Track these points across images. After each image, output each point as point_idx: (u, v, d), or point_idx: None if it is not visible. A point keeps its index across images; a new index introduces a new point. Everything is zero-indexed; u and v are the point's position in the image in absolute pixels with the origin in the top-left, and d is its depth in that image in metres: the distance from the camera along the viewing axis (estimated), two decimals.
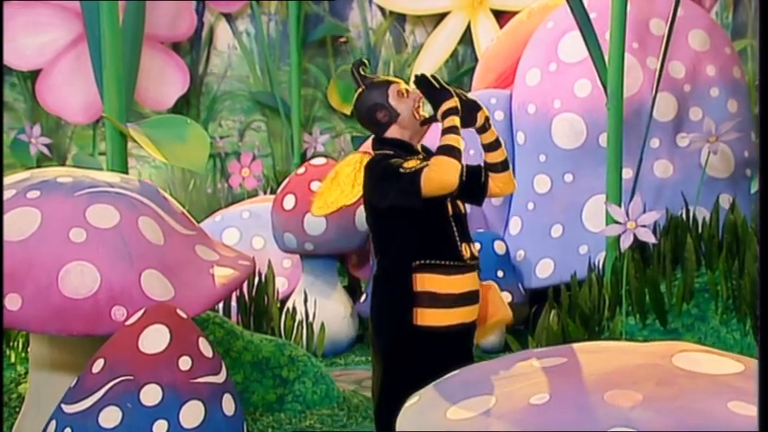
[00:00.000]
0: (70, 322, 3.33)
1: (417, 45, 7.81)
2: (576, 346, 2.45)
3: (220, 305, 4.90)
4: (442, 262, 3.37)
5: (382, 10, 7.81)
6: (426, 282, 3.36)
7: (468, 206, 5.69)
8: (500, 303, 3.62)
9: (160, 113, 7.71)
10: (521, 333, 5.41)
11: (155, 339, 3.14)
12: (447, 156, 3.32)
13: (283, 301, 5.52)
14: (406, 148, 3.49)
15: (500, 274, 5.53)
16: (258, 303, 4.95)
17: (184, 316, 3.25)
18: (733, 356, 2.25)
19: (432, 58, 7.69)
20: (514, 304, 5.56)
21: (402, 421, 2.27)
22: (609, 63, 5.06)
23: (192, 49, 7.77)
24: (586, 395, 2.05)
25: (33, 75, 7.54)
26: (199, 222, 6.33)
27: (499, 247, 5.58)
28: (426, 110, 3.60)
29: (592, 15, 5.56)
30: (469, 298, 3.44)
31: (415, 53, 7.78)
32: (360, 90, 3.54)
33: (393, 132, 3.51)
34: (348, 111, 7.54)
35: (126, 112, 6.67)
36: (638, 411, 1.96)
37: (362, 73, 3.56)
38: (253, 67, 7.80)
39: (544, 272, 5.64)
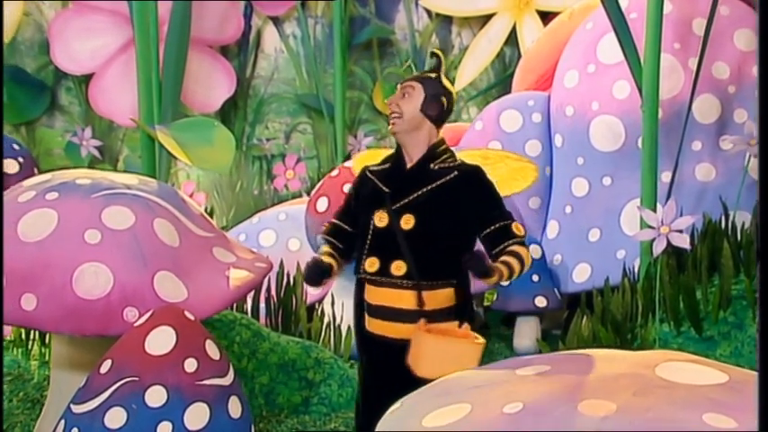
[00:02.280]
0: (83, 322, 3.37)
1: (464, 47, 7.76)
2: (564, 353, 2.40)
3: (248, 307, 4.92)
4: (358, 274, 3.47)
5: (428, 12, 7.78)
6: (364, 289, 3.49)
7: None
8: (426, 356, 3.23)
9: (208, 116, 7.79)
10: (554, 338, 5.35)
11: (161, 341, 3.15)
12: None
13: (318, 304, 5.52)
14: None
15: (535, 278, 5.46)
16: (286, 305, 4.95)
17: (192, 318, 3.26)
18: (722, 366, 2.18)
19: (477, 59, 7.64)
20: (550, 309, 5.51)
21: (382, 426, 2.24)
22: (644, 64, 4.96)
23: (240, 52, 7.83)
24: (560, 404, 2.00)
25: (87, 78, 7.68)
26: (238, 224, 6.46)
27: (534, 252, 5.50)
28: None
29: (632, 16, 5.47)
30: (384, 312, 3.41)
31: (461, 55, 7.73)
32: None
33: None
34: None
35: (170, 113, 6.76)
36: (610, 422, 1.91)
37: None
38: (299, 70, 7.83)
39: (581, 276, 5.55)
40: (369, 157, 4.12)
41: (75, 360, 3.68)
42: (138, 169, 6.95)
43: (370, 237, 3.43)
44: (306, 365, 4.63)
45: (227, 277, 3.67)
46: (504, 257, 3.38)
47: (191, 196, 6.83)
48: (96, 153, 7.51)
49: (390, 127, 3.48)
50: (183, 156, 4.26)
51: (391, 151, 3.60)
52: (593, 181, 5.63)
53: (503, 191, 4.69)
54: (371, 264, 3.41)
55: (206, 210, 7.06)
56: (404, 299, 3.39)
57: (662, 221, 4.73)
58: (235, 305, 4.86)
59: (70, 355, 3.70)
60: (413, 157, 3.47)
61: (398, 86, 3.50)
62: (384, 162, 3.59)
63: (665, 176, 5.31)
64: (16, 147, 6.80)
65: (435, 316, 3.38)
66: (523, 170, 4.67)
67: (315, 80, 7.76)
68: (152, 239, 3.55)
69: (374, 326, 3.48)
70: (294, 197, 7.34)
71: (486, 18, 7.63)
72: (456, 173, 3.44)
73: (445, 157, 3.49)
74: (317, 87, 7.75)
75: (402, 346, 3.36)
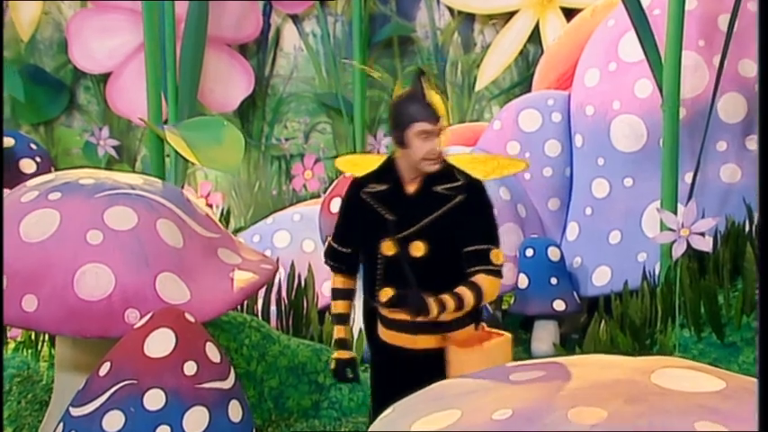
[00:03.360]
0: (84, 324, 3.39)
1: (486, 45, 7.72)
2: (560, 359, 2.38)
3: (259, 309, 4.93)
4: (372, 302, 3.44)
5: (450, 9, 7.74)
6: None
7: (522, 212, 5.72)
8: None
9: (226, 115, 7.81)
10: (573, 343, 5.31)
11: (160, 343, 3.16)
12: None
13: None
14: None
15: (554, 281, 5.42)
16: (297, 307, 4.95)
17: (192, 320, 3.26)
18: (721, 374, 2.15)
19: (499, 58, 7.59)
20: (569, 313, 5.47)
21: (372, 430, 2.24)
22: (665, 62, 4.92)
23: (259, 50, 7.84)
24: (550, 411, 1.98)
25: (106, 78, 7.73)
26: (254, 224, 6.48)
27: (553, 254, 5.46)
28: None
29: (655, 12, 5.42)
30: (400, 325, 3.38)
31: (483, 53, 7.70)
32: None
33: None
34: None
35: (186, 112, 6.80)
36: (600, 429, 1.89)
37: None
38: (318, 69, 7.83)
39: (601, 280, 5.50)
40: (353, 162, 4.07)
41: (78, 362, 3.70)
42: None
43: (380, 267, 3.41)
44: (316, 369, 4.63)
45: (232, 279, 3.68)
46: (458, 288, 3.33)
47: (207, 196, 6.86)
48: (113, 153, 7.55)
49: (430, 169, 3.36)
50: (191, 156, 4.28)
51: (376, 158, 3.57)
52: (613, 182, 5.57)
53: (494, 176, 4.71)
54: (386, 294, 3.38)
55: (223, 210, 7.08)
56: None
57: (682, 224, 4.70)
58: (245, 307, 4.87)
59: (74, 356, 3.73)
60: (413, 176, 3.40)
61: (430, 130, 3.31)
62: (376, 180, 3.48)
63: (689, 177, 5.25)
64: (33, 146, 6.86)
65: (452, 325, 3.40)
66: (513, 164, 4.66)
67: (334, 79, 7.76)
68: (155, 240, 3.57)
69: (389, 336, 3.47)
70: (313, 198, 7.34)
71: (509, 15, 7.59)
72: (463, 196, 3.40)
73: (449, 175, 3.42)
74: (337, 86, 7.75)
75: (417, 353, 3.40)
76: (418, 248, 3.37)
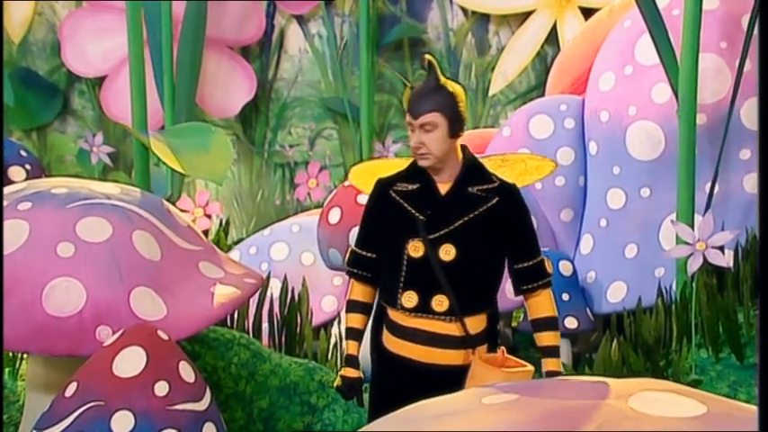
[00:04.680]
0: (52, 342, 3.39)
1: (502, 47, 7.71)
2: (537, 381, 2.36)
3: (249, 325, 4.92)
4: (393, 307, 3.40)
5: (464, 10, 7.73)
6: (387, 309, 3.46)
7: (534, 223, 5.69)
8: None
9: (228, 121, 7.84)
10: (580, 363, 5.27)
11: (130, 362, 3.16)
12: None
13: (331, 323, 5.51)
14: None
15: (565, 297, 5.37)
16: (290, 324, 4.94)
17: (165, 337, 3.26)
18: (704, 397, 2.12)
19: (515, 60, 7.57)
20: (581, 330, 5.43)
21: None
22: (681, 64, 4.88)
23: (262, 53, 7.86)
24: None
25: (101, 81, 7.77)
26: (251, 236, 6.47)
27: (564, 268, 5.42)
28: None
29: (674, 13, 5.38)
30: (419, 336, 3.36)
31: (498, 55, 7.69)
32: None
33: None
34: None
35: (184, 117, 6.82)
36: None
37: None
38: (325, 72, 7.84)
39: (616, 296, 5.45)
40: (369, 169, 4.07)
41: (50, 381, 3.70)
42: (155, 177, 7.02)
43: (405, 269, 3.37)
44: (309, 389, 4.61)
45: (212, 294, 3.68)
46: (543, 339, 3.46)
47: (205, 206, 6.87)
48: (107, 160, 7.58)
49: (422, 164, 3.34)
50: (175, 163, 4.29)
51: (400, 161, 3.55)
52: (630, 192, 5.53)
53: (520, 184, 4.70)
54: (409, 299, 3.36)
55: (222, 221, 7.09)
56: (445, 327, 3.39)
57: (698, 237, 4.66)
58: (234, 323, 4.87)
59: (45, 375, 3.73)
60: (445, 177, 3.39)
61: (409, 121, 3.33)
62: (407, 179, 3.44)
63: (709, 188, 5.22)
64: (24, 153, 6.89)
65: (475, 340, 3.40)
66: (541, 166, 4.64)
67: (341, 83, 7.77)
68: (130, 253, 3.56)
69: (398, 347, 3.42)
70: (317, 208, 7.34)
71: (526, 15, 7.58)
72: (497, 198, 3.38)
73: (483, 176, 3.43)
74: (344, 90, 7.76)
75: (429, 367, 3.36)
76: (448, 251, 3.35)
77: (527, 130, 5.78)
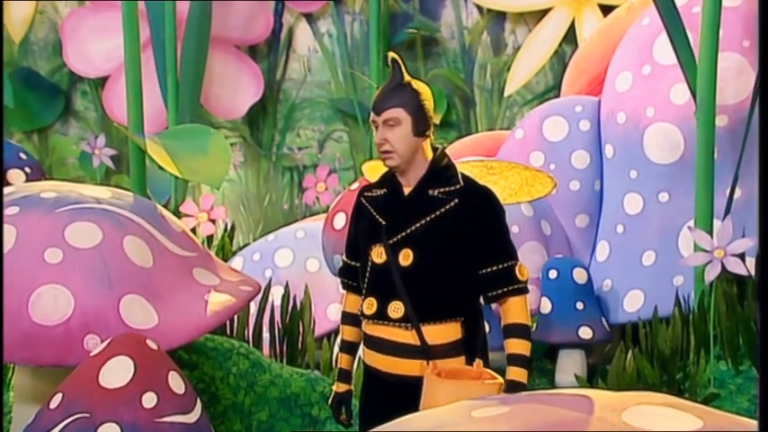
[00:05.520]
0: (39, 351, 3.39)
1: (518, 46, 7.68)
2: (529, 393, 2.33)
3: (250, 334, 4.92)
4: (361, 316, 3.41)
5: (479, 7, 7.71)
6: None
7: (547, 229, 5.66)
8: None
9: (234, 122, 7.84)
10: (594, 373, 5.24)
11: (116, 372, 3.15)
12: None
13: (336, 332, 5.50)
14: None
15: (579, 306, 5.34)
16: (292, 333, 4.93)
17: (154, 347, 3.25)
18: (701, 411, 2.09)
19: (532, 59, 7.53)
20: (596, 341, 5.39)
21: None
22: (699, 64, 4.85)
23: (270, 52, 7.87)
24: None
25: (103, 82, 7.79)
26: (256, 241, 6.46)
27: (579, 276, 5.39)
28: None
29: (694, 10, 5.35)
30: (381, 345, 3.35)
31: (515, 55, 7.66)
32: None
33: None
34: (437, 119, 7.47)
35: (187, 119, 6.82)
36: None
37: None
38: (335, 72, 7.83)
39: (633, 305, 5.41)
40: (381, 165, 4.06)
41: (38, 392, 3.69)
42: (160, 181, 7.04)
43: (368, 275, 3.38)
44: (310, 400, 4.60)
45: (206, 302, 3.67)
46: (509, 346, 3.34)
47: (210, 211, 6.87)
48: (110, 163, 7.59)
49: (387, 163, 3.35)
50: (171, 167, 4.28)
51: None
52: (647, 197, 5.49)
53: (520, 199, 4.64)
54: (369, 305, 3.36)
55: (227, 225, 7.09)
56: (402, 335, 3.34)
57: (716, 244, 4.62)
58: (234, 332, 4.86)
59: (33, 386, 3.72)
60: (411, 180, 3.37)
61: (373, 119, 3.34)
62: (379, 184, 3.47)
63: (736, 192, 5.17)
64: (23, 156, 6.91)
65: (439, 351, 3.33)
66: (538, 178, 4.60)
67: (351, 83, 7.76)
68: (120, 259, 3.56)
69: (369, 357, 3.43)
70: (326, 212, 7.33)
71: (543, 13, 7.55)
72: (457, 200, 3.34)
73: (447, 178, 3.38)
74: (354, 91, 7.75)
75: (400, 382, 3.33)
76: (407, 256, 3.32)
77: (540, 132, 5.76)
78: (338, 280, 5.68)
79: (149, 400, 3.15)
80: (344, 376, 3.52)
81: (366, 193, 3.50)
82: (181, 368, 4.31)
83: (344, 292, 3.58)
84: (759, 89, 1.95)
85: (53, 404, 3.17)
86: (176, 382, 3.24)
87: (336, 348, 5.04)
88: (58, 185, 3.84)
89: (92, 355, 3.23)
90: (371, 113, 3.37)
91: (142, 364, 3.19)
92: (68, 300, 3.43)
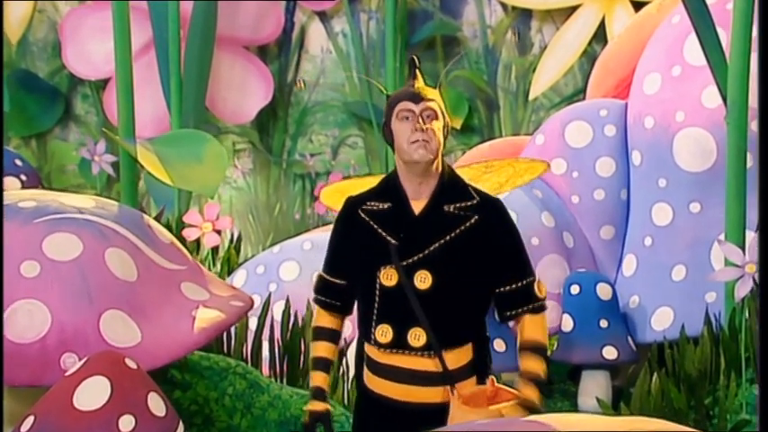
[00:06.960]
0: (13, 370, 3.38)
1: (545, 45, 7.64)
2: (526, 419, 2.31)
3: (248, 353, 4.89)
4: (368, 342, 3.40)
5: (503, 5, 7.68)
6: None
7: (569, 242, 5.63)
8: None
9: (242, 127, 7.84)
10: (620, 397, 5.18)
11: (92, 394, 3.14)
12: None
13: (343, 349, 5.47)
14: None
15: (603, 324, 5.29)
16: (293, 352, 4.91)
17: (133, 366, 3.24)
18: None
19: (559, 60, 7.49)
20: (621, 362, 5.34)
21: None
22: (730, 64, 4.80)
23: (281, 53, 7.86)
24: None
25: (105, 84, 7.81)
26: (261, 253, 6.44)
27: (603, 292, 5.34)
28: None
29: (727, 7, 5.30)
30: (396, 374, 3.34)
31: (541, 54, 7.62)
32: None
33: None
34: (459, 124, 7.44)
35: (191, 123, 6.83)
36: None
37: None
38: (349, 74, 7.82)
39: (661, 323, 5.36)
40: (340, 190, 4.07)
41: (13, 414, 3.66)
42: (163, 189, 7.02)
43: (377, 299, 3.35)
44: None
45: (193, 318, 3.66)
46: (523, 362, 3.38)
47: (215, 221, 6.84)
48: (110, 170, 7.58)
49: (419, 155, 3.27)
50: (163, 175, 4.27)
51: (370, 180, 3.53)
52: (677, 207, 5.45)
53: (510, 188, 4.65)
54: (383, 333, 3.34)
55: (233, 236, 7.06)
56: (423, 363, 3.36)
57: (748, 258, 4.58)
58: (231, 350, 4.84)
59: (8, 407, 3.69)
60: (420, 193, 3.35)
61: (408, 108, 3.30)
62: (378, 197, 3.42)
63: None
64: (19, 162, 6.93)
65: (457, 375, 3.36)
66: (532, 167, 4.59)
67: (366, 86, 7.74)
68: (102, 272, 3.56)
69: (377, 385, 3.42)
70: None
71: (571, 10, 7.51)
72: (476, 217, 3.34)
73: (460, 191, 3.38)
74: (370, 94, 7.73)
75: (411, 406, 3.34)
76: (424, 279, 3.31)
77: (563, 137, 5.72)
78: None
79: (127, 423, 3.14)
80: (320, 395, 3.51)
81: (364, 206, 3.43)
82: (173, 388, 4.33)
83: (317, 307, 3.54)
84: (759, 89, 1.92)
85: (24, 427, 3.16)
86: (156, 404, 3.22)
87: (341, 367, 5.02)
88: (38, 194, 3.84)
89: (66, 375, 3.21)
90: (402, 103, 3.31)
91: (119, 384, 3.18)
92: (45, 316, 3.43)
